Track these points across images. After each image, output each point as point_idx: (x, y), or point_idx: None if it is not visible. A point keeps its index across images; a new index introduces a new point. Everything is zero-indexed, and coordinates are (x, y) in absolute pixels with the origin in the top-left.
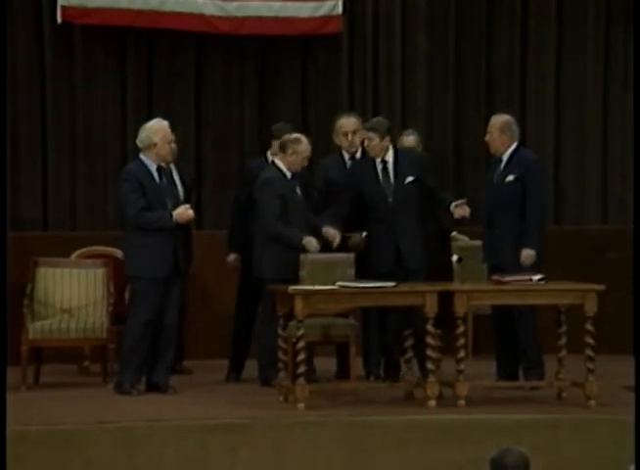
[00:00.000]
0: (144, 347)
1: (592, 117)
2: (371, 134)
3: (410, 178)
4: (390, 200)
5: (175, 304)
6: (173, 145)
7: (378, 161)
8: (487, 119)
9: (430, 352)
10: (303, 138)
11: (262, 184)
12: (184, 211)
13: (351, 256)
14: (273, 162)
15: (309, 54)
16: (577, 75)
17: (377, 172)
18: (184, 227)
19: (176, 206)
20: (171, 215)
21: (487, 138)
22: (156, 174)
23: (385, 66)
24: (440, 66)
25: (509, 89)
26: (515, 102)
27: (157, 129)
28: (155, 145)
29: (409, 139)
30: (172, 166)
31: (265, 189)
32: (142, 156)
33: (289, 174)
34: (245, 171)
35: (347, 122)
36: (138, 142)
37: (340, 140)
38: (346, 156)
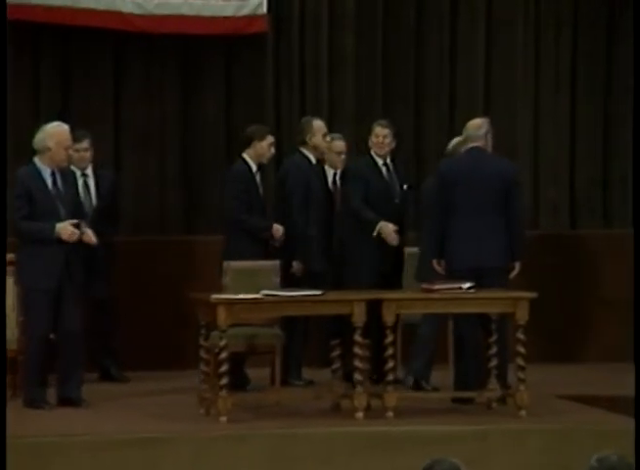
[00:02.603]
0: (41, 360)
1: (522, 121)
2: (387, 131)
3: (405, 185)
4: (397, 201)
5: (73, 316)
6: (86, 153)
7: (381, 162)
8: (417, 121)
9: (357, 363)
10: None
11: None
12: (65, 228)
13: (277, 263)
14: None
15: (233, 54)
16: (507, 78)
17: (382, 173)
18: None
19: (73, 215)
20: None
21: None
22: (49, 180)
23: (311, 66)
24: (369, 67)
25: (438, 91)
26: (444, 105)
27: (52, 133)
28: (49, 149)
29: (340, 144)
30: (89, 173)
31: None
32: (36, 159)
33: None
34: (235, 175)
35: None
36: (34, 144)
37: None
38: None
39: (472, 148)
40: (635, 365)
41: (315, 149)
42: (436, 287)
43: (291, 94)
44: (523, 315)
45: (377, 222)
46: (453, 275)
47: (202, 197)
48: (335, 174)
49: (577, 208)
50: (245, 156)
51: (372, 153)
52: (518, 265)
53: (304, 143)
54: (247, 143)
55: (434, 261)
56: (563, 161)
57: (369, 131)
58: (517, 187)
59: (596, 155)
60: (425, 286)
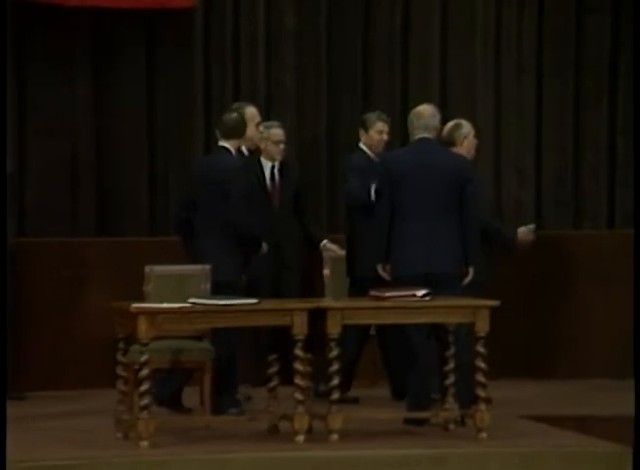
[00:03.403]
0: None
1: (482, 107)
2: (387, 127)
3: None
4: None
5: None
6: None
7: (373, 156)
8: (365, 107)
9: (298, 380)
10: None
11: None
12: None
13: (206, 267)
14: None
15: (156, 30)
16: (465, 61)
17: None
18: None
19: None
20: None
21: None
22: None
23: (247, 46)
24: (311, 46)
25: (389, 74)
26: (396, 88)
27: None
28: None
29: (278, 132)
30: None
31: None
32: None
33: None
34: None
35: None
36: None
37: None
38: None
39: (421, 139)
40: (635, 379)
41: (248, 139)
42: (388, 294)
43: (223, 76)
44: (483, 326)
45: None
46: (400, 282)
47: (119, 192)
48: (273, 167)
49: (545, 206)
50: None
51: (365, 149)
52: (471, 271)
53: None
54: (242, 131)
55: (380, 266)
56: (528, 152)
57: (363, 126)
58: (472, 184)
59: (566, 145)
60: (374, 293)
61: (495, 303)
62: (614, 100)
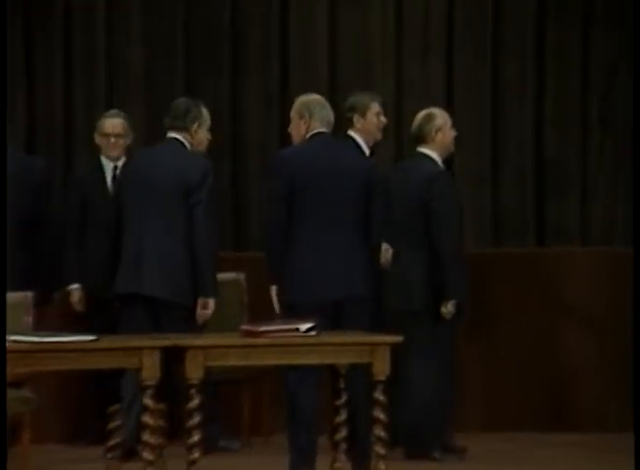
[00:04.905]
0: None
1: (380, 92)
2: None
3: None
4: None
5: None
6: None
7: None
8: (234, 94)
9: (147, 437)
10: None
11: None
12: None
13: (28, 295)
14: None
15: None
16: (359, 35)
17: None
18: None
19: None
20: None
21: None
22: None
23: (81, 12)
24: (165, 16)
25: (264, 47)
26: (274, 64)
27: None
28: None
29: (115, 122)
30: None
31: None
32: None
33: None
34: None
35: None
36: None
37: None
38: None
39: (321, 134)
40: (635, 432)
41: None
42: (262, 329)
43: (50, 51)
44: (382, 368)
45: None
46: (296, 310)
47: None
48: (115, 168)
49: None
50: None
51: (358, 139)
52: None
53: None
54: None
55: (274, 289)
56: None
57: (354, 110)
58: (379, 188)
59: (481, 138)
60: (246, 327)
61: (397, 339)
62: (541, 85)
